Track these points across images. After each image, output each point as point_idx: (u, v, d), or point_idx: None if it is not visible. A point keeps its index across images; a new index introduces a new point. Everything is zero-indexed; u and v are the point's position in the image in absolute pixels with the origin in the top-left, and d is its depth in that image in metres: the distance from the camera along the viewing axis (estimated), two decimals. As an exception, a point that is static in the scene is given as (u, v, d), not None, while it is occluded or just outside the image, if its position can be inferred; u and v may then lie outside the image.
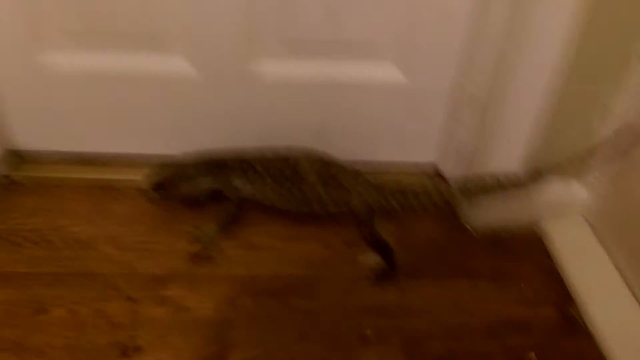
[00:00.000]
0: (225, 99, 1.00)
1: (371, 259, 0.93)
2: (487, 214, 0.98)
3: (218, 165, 0.96)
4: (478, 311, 0.86)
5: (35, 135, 1.05)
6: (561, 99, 0.86)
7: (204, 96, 1.00)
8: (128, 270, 0.89)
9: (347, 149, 1.07)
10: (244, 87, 0.99)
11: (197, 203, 1.01)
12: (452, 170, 1.05)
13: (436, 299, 0.87)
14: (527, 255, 0.96)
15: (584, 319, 0.85)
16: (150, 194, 0.93)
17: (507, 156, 0.91)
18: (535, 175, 0.92)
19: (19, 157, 1.07)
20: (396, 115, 1.03)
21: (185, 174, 0.95)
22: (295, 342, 0.80)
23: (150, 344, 0.78)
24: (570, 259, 0.93)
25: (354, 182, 0.94)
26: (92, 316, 0.81)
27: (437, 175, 1.09)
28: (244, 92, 0.99)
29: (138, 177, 1.04)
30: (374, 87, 0.99)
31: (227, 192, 0.97)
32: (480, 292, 0.89)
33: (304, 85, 0.99)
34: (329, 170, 0.94)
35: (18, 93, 1.00)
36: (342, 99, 1.00)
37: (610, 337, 0.81)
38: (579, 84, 0.85)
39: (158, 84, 0.99)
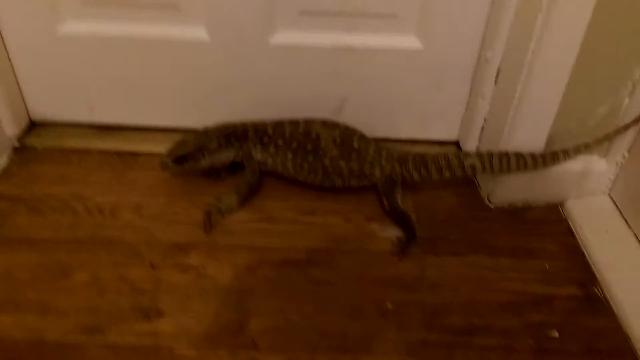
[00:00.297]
0: (244, 69, 1.00)
1: (392, 233, 0.92)
2: (510, 191, 0.97)
3: (238, 138, 0.96)
4: (499, 288, 0.85)
5: (58, 106, 1.07)
6: (589, 74, 0.84)
7: (222, 66, 1.00)
8: (150, 238, 0.90)
9: (368, 125, 1.06)
10: (263, 58, 0.98)
11: (218, 175, 1.02)
12: (475, 148, 1.04)
13: (456, 275, 0.87)
14: (550, 234, 0.94)
15: (608, 298, 0.84)
16: (171, 167, 0.93)
17: (532, 133, 0.90)
18: (561, 154, 0.91)
19: (42, 128, 1.09)
20: (418, 89, 1.01)
21: (207, 148, 0.95)
22: (315, 312, 0.80)
23: (171, 309, 0.79)
24: (595, 239, 0.91)
25: (377, 154, 0.94)
26: (115, 281, 0.83)
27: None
28: (263, 63, 0.99)
29: (159, 148, 1.05)
30: (394, 58, 0.98)
31: (248, 165, 0.97)
32: (501, 269, 0.88)
33: (324, 56, 0.98)
34: (351, 143, 0.94)
35: (38, 63, 1.01)
36: (363, 70, 0.99)
37: (634, 317, 0.80)
38: (608, 59, 0.84)
39: (176, 54, 0.99)
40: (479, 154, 0.92)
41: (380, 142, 0.96)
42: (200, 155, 0.94)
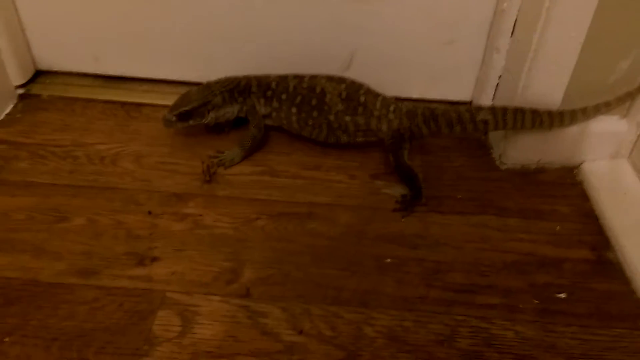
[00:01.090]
0: (250, 19, 0.97)
1: (397, 191, 0.89)
2: (523, 153, 0.93)
3: (242, 92, 0.94)
4: (505, 248, 0.82)
5: (63, 55, 1.06)
6: (611, 24, 0.79)
7: (228, 16, 0.97)
8: (149, 187, 0.88)
9: (377, 82, 1.03)
10: (269, 7, 0.95)
11: (221, 130, 1.00)
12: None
13: (461, 234, 0.83)
14: (563, 197, 0.90)
15: (621, 262, 0.79)
16: (175, 123, 0.91)
17: (549, 88, 0.85)
18: (580, 112, 0.86)
19: (47, 77, 1.08)
20: (430, 43, 0.97)
21: (211, 103, 0.92)
22: (311, 265, 0.78)
23: (166, 256, 0.78)
24: (611, 202, 0.87)
25: (384, 108, 0.90)
26: (112, 227, 0.82)
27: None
28: (270, 12, 0.96)
29: (163, 100, 1.04)
30: (405, 8, 0.94)
31: (252, 119, 0.95)
32: (509, 230, 0.85)
33: (332, 5, 0.94)
34: (357, 97, 0.90)
35: (44, 12, 1.00)
36: (373, 21, 0.95)
37: (648, 282, 0.76)
38: (632, 7, 0.78)
39: (183, 3, 0.97)
40: (492, 108, 0.87)
41: (388, 96, 0.92)
42: (205, 110, 0.92)
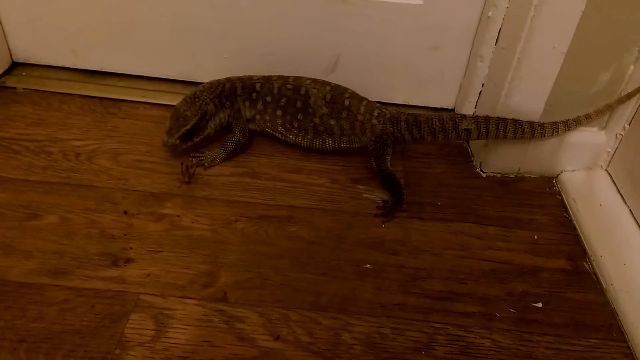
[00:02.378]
0: (234, 16, 0.96)
1: (378, 196, 0.89)
2: (503, 161, 0.94)
3: (229, 97, 0.91)
4: (484, 256, 0.82)
5: (41, 47, 1.03)
6: (593, 37, 0.80)
7: (212, 13, 0.96)
8: (126, 186, 0.86)
9: (362, 86, 1.02)
10: (254, 5, 0.94)
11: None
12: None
13: (441, 241, 0.83)
14: (542, 206, 0.91)
15: (597, 273, 0.80)
16: (179, 145, 0.87)
17: (531, 98, 0.86)
18: (561, 125, 0.86)
19: (23, 69, 1.05)
20: (415, 48, 0.97)
21: (208, 113, 0.89)
22: (290, 269, 0.77)
23: (141, 257, 0.76)
24: (588, 213, 0.88)
25: (369, 113, 0.90)
26: (85, 226, 0.79)
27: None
28: (254, 11, 0.95)
29: (143, 97, 1.02)
30: (391, 12, 0.93)
31: (237, 122, 0.92)
32: (488, 238, 0.85)
33: (318, 6, 0.93)
34: (341, 101, 0.90)
35: (22, 2, 0.97)
36: (358, 24, 0.95)
37: (622, 292, 0.76)
38: (614, 22, 0.79)
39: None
40: (475, 118, 0.87)
41: (372, 101, 0.92)
42: (204, 123, 0.89)
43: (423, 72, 1.00)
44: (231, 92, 0.92)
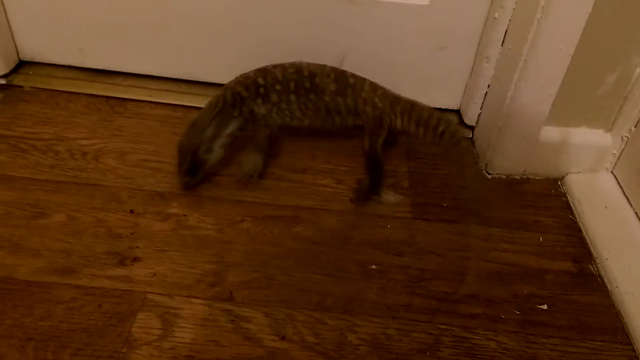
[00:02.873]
0: (240, 15, 0.96)
1: (384, 197, 0.89)
2: (509, 163, 0.94)
3: (234, 105, 0.87)
4: (489, 257, 0.82)
5: (48, 46, 1.03)
6: (600, 38, 0.80)
7: (218, 10, 0.96)
8: (133, 185, 0.87)
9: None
10: (260, 3, 0.94)
11: None
12: (476, 118, 1.00)
13: (446, 242, 0.84)
14: (547, 208, 0.91)
15: (602, 276, 0.80)
16: (193, 180, 0.86)
17: (537, 99, 0.86)
18: None
19: (30, 68, 1.05)
20: (421, 49, 0.97)
21: (206, 139, 0.85)
22: (296, 269, 0.78)
23: (148, 256, 0.77)
24: (594, 215, 0.88)
25: (372, 91, 0.89)
26: (92, 224, 0.80)
27: (461, 123, 1.04)
28: (260, 9, 0.95)
29: (149, 96, 1.03)
30: (397, 13, 0.93)
31: (254, 124, 0.89)
32: (493, 239, 0.85)
33: (324, 5, 0.93)
34: (345, 79, 0.89)
35: (30, 1, 0.97)
36: (364, 24, 0.95)
37: (628, 295, 0.76)
38: (621, 22, 0.79)
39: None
40: (455, 128, 0.88)
41: (375, 82, 0.91)
42: (203, 150, 0.85)
43: (429, 73, 1.00)
44: (235, 99, 0.87)
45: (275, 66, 0.89)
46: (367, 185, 0.87)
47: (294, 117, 0.91)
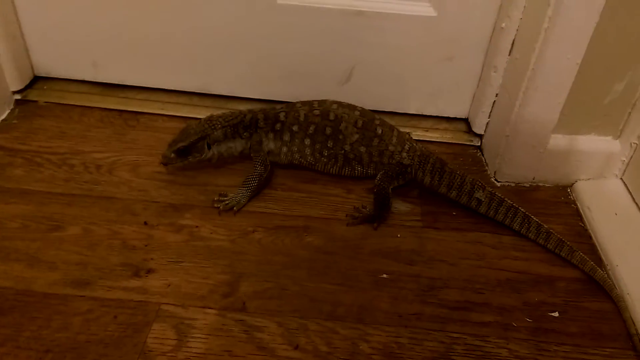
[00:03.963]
0: (250, 28, 0.98)
1: (394, 207, 0.89)
2: (518, 170, 0.94)
3: (248, 127, 0.89)
4: (500, 265, 0.83)
5: (62, 62, 1.05)
6: (607, 47, 0.80)
7: (229, 24, 0.97)
8: (146, 197, 0.88)
9: (376, 97, 1.04)
10: (270, 16, 0.96)
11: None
12: (484, 127, 1.01)
13: (457, 251, 0.84)
14: (557, 215, 0.91)
15: (613, 283, 0.80)
16: (173, 160, 0.86)
17: (545, 108, 0.86)
18: (566, 247, 0.82)
19: (45, 83, 1.07)
20: (429, 59, 0.98)
21: (211, 137, 0.87)
22: (307, 278, 0.78)
23: (162, 268, 0.78)
24: (604, 222, 0.88)
25: (400, 145, 0.89)
26: (107, 237, 0.81)
27: (469, 132, 1.05)
28: (270, 22, 0.96)
29: (162, 109, 1.04)
30: (405, 25, 0.94)
31: (256, 156, 0.89)
32: (504, 247, 0.85)
33: (332, 18, 0.95)
34: (374, 128, 0.88)
35: (44, 18, 1.00)
36: (372, 36, 0.96)
37: (639, 301, 0.76)
38: (629, 31, 0.79)
39: (182, 10, 0.97)
40: (491, 194, 0.86)
41: (402, 132, 0.92)
42: (204, 145, 0.87)
43: (437, 83, 1.01)
44: (251, 123, 0.89)
45: (304, 103, 0.90)
46: (369, 214, 0.87)
47: (305, 160, 0.90)
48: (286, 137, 0.89)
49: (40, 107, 1.04)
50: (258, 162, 0.89)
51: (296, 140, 0.89)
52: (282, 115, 0.89)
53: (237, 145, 0.90)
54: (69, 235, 0.81)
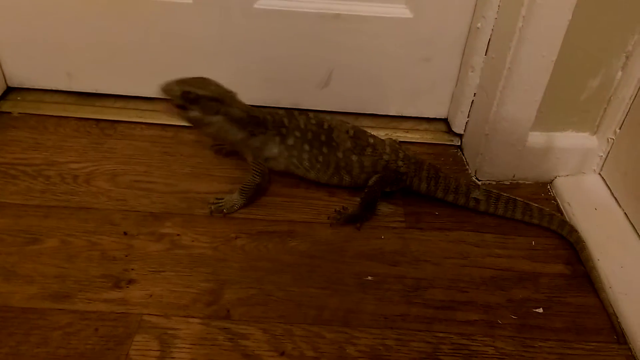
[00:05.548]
0: (227, 33, 0.97)
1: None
2: (498, 169, 0.95)
3: (258, 125, 0.86)
4: (483, 263, 0.83)
5: (35, 72, 1.04)
6: (581, 44, 0.82)
7: (205, 30, 0.97)
8: (125, 206, 0.87)
9: (357, 99, 1.04)
10: (247, 21, 0.95)
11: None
12: (464, 126, 1.02)
13: (441, 250, 0.84)
14: (538, 212, 0.92)
15: (595, 277, 0.81)
16: (175, 99, 0.78)
17: (522, 106, 0.87)
18: (568, 226, 0.87)
19: (18, 94, 1.05)
20: (407, 61, 0.99)
21: (225, 107, 0.81)
22: (292, 284, 0.78)
23: (143, 278, 0.76)
24: (583, 217, 0.89)
25: (394, 154, 0.89)
26: (86, 248, 0.80)
27: (449, 132, 1.05)
28: (247, 27, 0.96)
29: (138, 117, 1.03)
30: (382, 27, 0.95)
31: (256, 164, 0.87)
32: (486, 245, 0.86)
33: (310, 22, 0.95)
34: (366, 138, 0.89)
35: (16, 27, 0.98)
36: (350, 39, 0.96)
37: (621, 295, 0.77)
38: (601, 29, 0.81)
39: (158, 16, 0.96)
40: (488, 192, 0.88)
41: (392, 140, 0.94)
42: (213, 107, 0.80)
43: (415, 84, 1.02)
44: (263, 123, 0.86)
45: (300, 113, 0.89)
46: (352, 213, 0.87)
47: (301, 167, 0.89)
48: (290, 142, 0.88)
49: (14, 118, 1.01)
50: (257, 171, 0.87)
51: (297, 145, 0.88)
52: (285, 121, 0.88)
53: (237, 135, 0.85)
54: (46, 247, 0.79)
